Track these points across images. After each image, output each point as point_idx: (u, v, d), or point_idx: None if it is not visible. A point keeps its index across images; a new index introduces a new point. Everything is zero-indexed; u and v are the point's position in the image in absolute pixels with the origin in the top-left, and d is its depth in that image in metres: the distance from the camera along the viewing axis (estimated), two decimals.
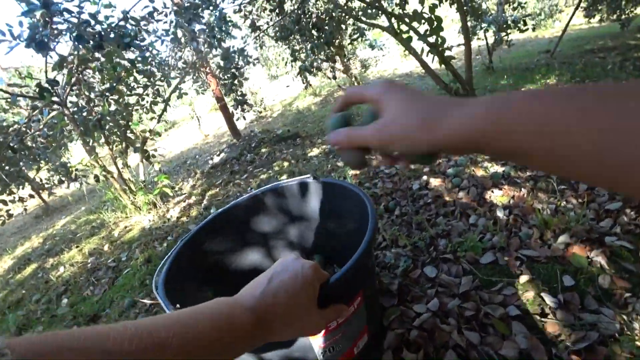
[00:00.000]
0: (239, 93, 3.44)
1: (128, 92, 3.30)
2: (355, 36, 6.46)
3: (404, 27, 3.43)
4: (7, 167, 3.29)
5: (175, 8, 3.57)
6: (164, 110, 3.55)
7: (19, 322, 2.38)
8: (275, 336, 0.46)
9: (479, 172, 2.15)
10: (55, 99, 2.75)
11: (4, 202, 3.51)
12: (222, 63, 3.98)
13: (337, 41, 4.83)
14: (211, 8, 3.63)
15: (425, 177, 2.26)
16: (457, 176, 2.17)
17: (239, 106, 3.27)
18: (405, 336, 1.16)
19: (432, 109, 0.32)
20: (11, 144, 3.10)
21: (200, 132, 7.97)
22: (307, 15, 4.47)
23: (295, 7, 4.62)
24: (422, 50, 3.53)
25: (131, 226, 3.13)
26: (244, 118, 3.68)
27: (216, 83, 4.35)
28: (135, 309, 1.94)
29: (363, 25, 6.04)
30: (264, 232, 1.40)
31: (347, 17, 4.83)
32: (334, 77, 4.44)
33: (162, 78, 3.75)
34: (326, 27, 4.30)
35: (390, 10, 3.70)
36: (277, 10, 4.39)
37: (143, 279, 2.18)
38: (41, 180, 4.52)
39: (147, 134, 3.33)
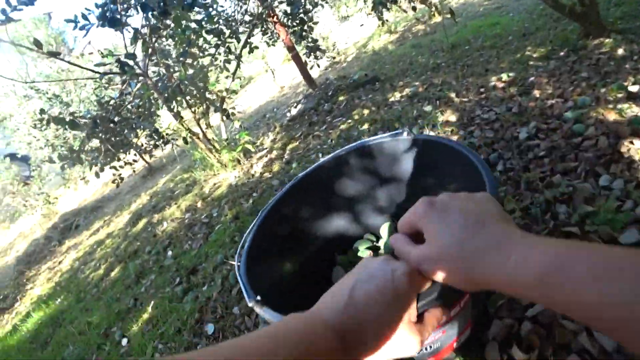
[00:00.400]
0: (309, 40, 3.23)
1: (201, 54, 3.32)
2: None
3: None
4: (112, 138, 3.65)
5: None
6: (237, 67, 3.53)
7: (136, 270, 2.74)
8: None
9: (610, 116, 1.66)
10: (138, 71, 2.87)
11: (115, 168, 3.96)
12: (288, 9, 3.75)
13: None
14: None
15: (534, 123, 1.85)
16: (578, 121, 1.72)
17: (312, 53, 3.08)
18: (514, 328, 0.96)
19: (471, 246, 0.32)
20: (111, 117, 3.39)
21: (275, 85, 7.98)
22: None
23: None
24: None
25: (219, 183, 3.31)
26: (318, 66, 3.49)
27: (285, 32, 4.16)
28: (227, 265, 2.04)
29: None
30: (349, 196, 1.25)
31: None
32: (414, 9, 3.90)
33: (231, 35, 3.69)
34: None
35: None
36: None
37: (232, 236, 2.28)
38: (142, 145, 5.04)
39: (225, 93, 3.37)
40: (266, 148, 3.51)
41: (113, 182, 4.11)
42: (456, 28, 5.78)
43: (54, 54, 2.36)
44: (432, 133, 2.34)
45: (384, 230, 1.23)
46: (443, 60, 4.01)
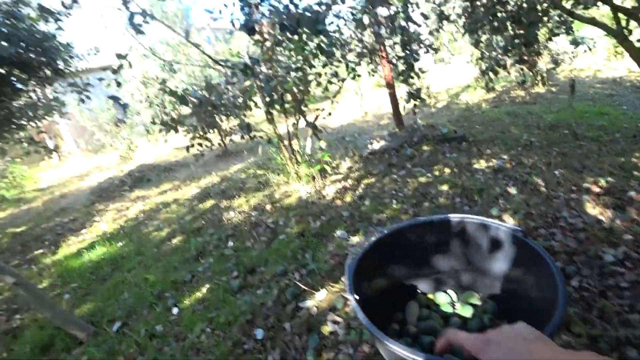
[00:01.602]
0: (414, 87, 3.34)
1: (309, 71, 3.56)
2: (558, 30, 5.39)
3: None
4: (207, 119, 4.03)
5: None
6: (338, 91, 3.73)
7: (198, 248, 3.00)
8: None
9: None
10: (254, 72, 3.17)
11: (200, 145, 4.35)
12: (399, 51, 3.90)
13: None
14: None
15: (624, 248, 1.79)
16: None
17: (411, 99, 3.18)
18: None
19: None
20: (214, 101, 3.75)
21: (360, 109, 8.18)
22: (502, 4, 3.90)
23: None
24: None
25: (290, 192, 3.51)
26: (414, 112, 3.58)
27: (390, 69, 4.31)
28: (285, 278, 2.19)
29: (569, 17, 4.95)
30: (435, 262, 1.34)
31: (553, 7, 4.03)
32: (524, 82, 3.85)
33: (341, 59, 3.90)
34: (524, 20, 3.69)
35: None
36: (471, 1, 3.96)
37: (295, 252, 2.43)
38: (226, 129, 5.46)
39: (320, 112, 3.58)
40: (342, 174, 3.67)
41: (194, 155, 4.51)
42: (559, 105, 5.56)
43: (196, 45, 2.71)
44: (511, 220, 2.32)
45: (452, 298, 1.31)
46: (537, 140, 3.88)
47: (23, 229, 6.16)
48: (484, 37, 4.79)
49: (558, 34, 5.03)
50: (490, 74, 3.63)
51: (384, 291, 1.26)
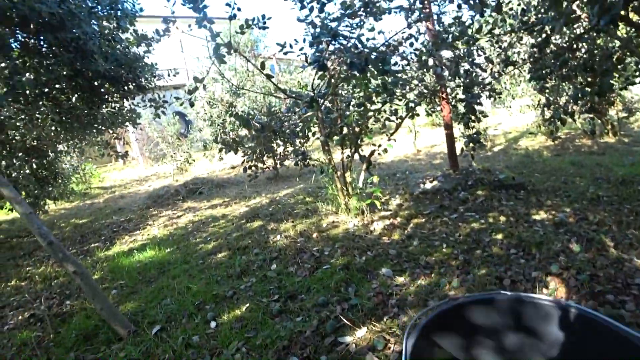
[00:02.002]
0: (474, 131, 3.28)
1: (370, 107, 3.64)
2: (634, 79, 5.05)
3: None
4: (265, 143, 4.22)
5: (430, 38, 3.68)
6: (396, 129, 3.77)
7: (242, 266, 3.07)
8: None
9: None
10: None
11: (255, 166, 4.54)
12: (460, 93, 3.88)
13: None
14: (467, 39, 3.55)
15: None
16: None
17: (471, 143, 3.13)
18: None
19: None
20: (275, 127, 3.93)
21: (413, 146, 8.15)
22: (573, 51, 3.76)
23: (564, 41, 3.97)
24: None
25: (338, 223, 3.53)
26: (472, 156, 3.50)
27: (449, 110, 4.28)
28: (326, 309, 2.17)
29: None
30: (498, 341, 1.27)
31: (630, 55, 3.81)
32: (593, 132, 3.64)
33: (401, 97, 3.95)
34: (596, 68, 3.52)
35: None
36: (540, 46, 3.87)
37: (338, 284, 2.41)
38: (280, 153, 5.68)
39: (376, 147, 3.62)
40: (391, 210, 3.64)
41: (248, 176, 4.72)
42: (633, 158, 5.15)
43: (268, 77, 2.90)
44: (573, 280, 2.15)
45: None
46: (606, 194, 3.60)
47: (84, 221, 6.73)
48: (550, 83, 4.61)
49: (634, 83, 4.72)
50: (557, 122, 3.47)
51: None
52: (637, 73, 5.07)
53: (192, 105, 3.67)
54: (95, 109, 4.83)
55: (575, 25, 4.36)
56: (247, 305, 2.43)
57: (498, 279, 2.27)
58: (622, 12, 2.90)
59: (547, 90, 4.54)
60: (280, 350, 1.92)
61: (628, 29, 3.66)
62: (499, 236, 2.82)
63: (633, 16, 3.36)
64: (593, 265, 2.30)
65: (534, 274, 2.28)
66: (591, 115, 5.95)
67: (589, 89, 3.39)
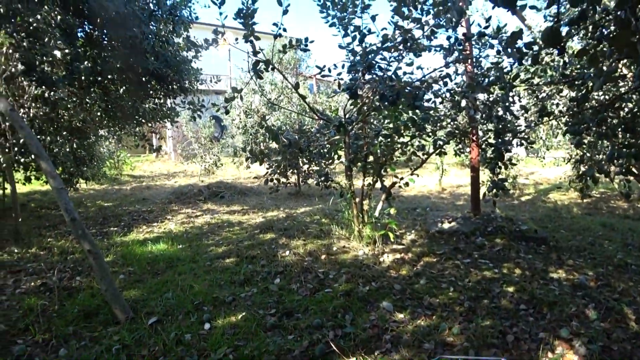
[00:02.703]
0: (499, 177, 3.22)
1: (397, 139, 3.67)
2: None
3: None
4: (291, 159, 4.31)
5: (467, 80, 3.69)
6: (421, 165, 3.76)
7: (247, 274, 3.11)
8: None
9: None
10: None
11: (278, 180, 4.62)
12: (490, 137, 3.84)
13: None
14: (503, 84, 3.53)
15: None
16: None
17: (495, 189, 3.07)
18: None
19: None
20: (302, 145, 4.01)
21: (439, 184, 8.06)
22: (615, 109, 3.64)
23: (605, 99, 3.86)
24: None
25: (348, 249, 3.52)
26: (494, 203, 3.42)
27: (477, 152, 4.23)
28: (319, 332, 2.15)
29: None
30: None
31: None
32: (628, 196, 3.49)
33: (430, 134, 3.96)
34: (637, 129, 3.39)
35: None
36: (579, 101, 3.79)
37: (336, 310, 2.39)
38: (304, 171, 5.76)
39: (397, 180, 3.62)
40: (403, 245, 3.59)
41: (270, 188, 4.81)
42: None
43: (302, 97, 3.00)
44: (582, 349, 2.03)
45: None
46: (635, 263, 3.40)
47: (109, 204, 7.02)
48: (587, 139, 4.48)
49: None
50: (589, 180, 3.34)
51: None
52: None
53: (227, 112, 3.82)
54: (139, 102, 5.13)
55: (621, 83, 4.25)
56: (244, 314, 2.45)
57: (502, 333, 2.18)
58: None
59: (583, 146, 4.41)
60: None
61: None
62: (511, 289, 2.72)
63: None
64: (608, 336, 2.17)
65: (542, 335, 2.17)
66: (627, 177, 5.69)
67: (626, 150, 3.27)
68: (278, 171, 4.21)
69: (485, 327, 2.21)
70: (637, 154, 3.30)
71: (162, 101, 5.77)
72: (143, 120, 5.79)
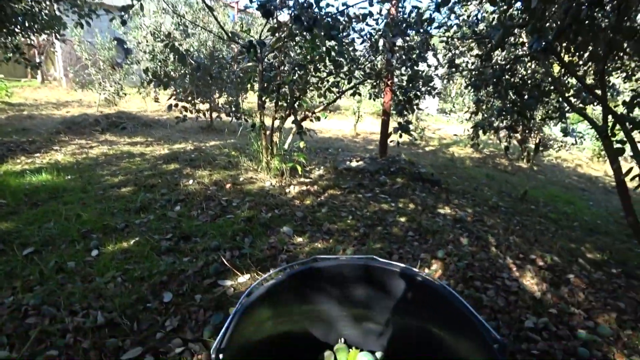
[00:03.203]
0: (405, 119, 3.39)
1: (312, 73, 3.57)
2: (553, 115, 5.66)
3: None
4: (200, 86, 3.96)
5: (388, 20, 3.69)
6: (334, 100, 3.75)
7: (144, 202, 2.88)
8: None
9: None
10: (258, 55, 3.15)
11: (185, 109, 4.26)
12: (404, 82, 3.98)
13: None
14: (421, 31, 3.63)
15: (546, 319, 1.83)
16: (586, 346, 1.69)
17: (399, 130, 3.23)
18: None
19: None
20: (212, 72, 3.70)
21: (354, 129, 8.28)
22: (511, 73, 4.08)
23: (504, 61, 4.26)
24: None
25: (255, 180, 3.46)
26: (398, 144, 3.62)
27: (390, 97, 4.38)
28: (216, 254, 2.12)
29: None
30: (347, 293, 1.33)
31: (555, 91, 4.26)
32: (507, 148, 3.99)
33: (347, 73, 3.94)
34: (525, 94, 3.87)
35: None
36: (483, 58, 4.13)
37: (235, 233, 2.37)
38: (217, 103, 5.39)
39: (309, 114, 3.58)
40: (311, 179, 3.65)
41: (176, 118, 4.41)
42: (535, 184, 5.79)
43: (216, 18, 2.68)
44: (452, 266, 2.35)
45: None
46: (505, 205, 4.00)
47: None
48: (485, 99, 4.98)
49: (553, 118, 5.29)
50: (480, 132, 3.73)
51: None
52: (557, 112, 5.66)
53: (123, 23, 3.29)
54: (5, 2, 4.12)
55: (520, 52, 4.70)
56: (137, 239, 2.29)
57: (389, 253, 2.40)
58: (557, 48, 3.17)
59: (480, 103, 4.88)
60: (157, 284, 1.84)
61: (560, 68, 4.02)
62: (403, 219, 2.98)
63: (564, 55, 3.71)
64: (473, 256, 2.53)
65: (422, 255, 2.45)
66: (510, 136, 6.57)
67: (513, 108, 3.70)
68: (185, 98, 3.85)
69: (375, 248, 2.41)
70: (520, 111, 3.75)
71: (41, 5, 4.72)
72: (16, 29, 4.70)
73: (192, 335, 1.51)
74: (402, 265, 1.18)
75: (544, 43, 2.58)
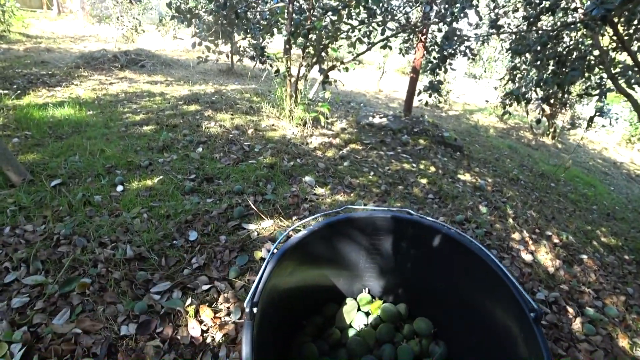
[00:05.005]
0: (437, 79, 3.22)
1: (345, 20, 3.37)
2: (592, 91, 5.35)
3: None
4: (224, 24, 3.78)
5: None
6: (364, 52, 3.57)
7: (166, 141, 2.88)
8: None
9: (621, 341, 1.65)
10: None
11: (208, 49, 4.11)
12: (439, 40, 3.75)
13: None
14: None
15: (557, 294, 1.84)
16: (593, 323, 1.72)
17: (429, 90, 3.08)
18: None
19: None
20: (238, 10, 3.51)
21: (377, 85, 8.01)
22: (556, 41, 3.80)
23: (551, 28, 3.96)
24: None
25: (277, 127, 3.40)
26: (426, 104, 3.49)
27: (422, 54, 4.15)
28: (239, 198, 2.13)
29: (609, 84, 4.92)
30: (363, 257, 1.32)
31: (600, 66, 3.98)
32: (539, 121, 3.82)
33: (380, 23, 3.72)
34: (568, 65, 3.63)
35: None
36: (530, 20, 3.82)
37: (258, 179, 2.37)
38: (240, 47, 5.18)
39: (338, 63, 3.43)
40: (333, 131, 3.58)
41: (198, 58, 4.28)
42: (557, 161, 5.65)
43: None
44: (470, 232, 2.34)
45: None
46: (525, 180, 3.94)
47: None
48: (523, 67, 4.69)
49: (591, 94, 5.00)
50: (513, 98, 3.55)
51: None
52: (597, 89, 5.33)
53: None
54: None
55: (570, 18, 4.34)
56: (161, 177, 2.31)
57: (408, 214, 2.38)
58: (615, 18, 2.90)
59: (517, 71, 4.62)
60: (182, 222, 1.87)
61: (611, 41, 3.72)
62: (424, 181, 2.94)
63: (620, 28, 3.41)
64: (491, 225, 2.52)
65: (442, 219, 2.44)
66: (543, 107, 6.30)
67: (553, 78, 3.48)
68: (207, 35, 3.69)
69: (396, 207, 2.40)
70: (561, 83, 3.53)
71: None
72: None
73: (217, 274, 1.56)
74: (440, 222, 1.16)
75: (604, 10, 2.35)
